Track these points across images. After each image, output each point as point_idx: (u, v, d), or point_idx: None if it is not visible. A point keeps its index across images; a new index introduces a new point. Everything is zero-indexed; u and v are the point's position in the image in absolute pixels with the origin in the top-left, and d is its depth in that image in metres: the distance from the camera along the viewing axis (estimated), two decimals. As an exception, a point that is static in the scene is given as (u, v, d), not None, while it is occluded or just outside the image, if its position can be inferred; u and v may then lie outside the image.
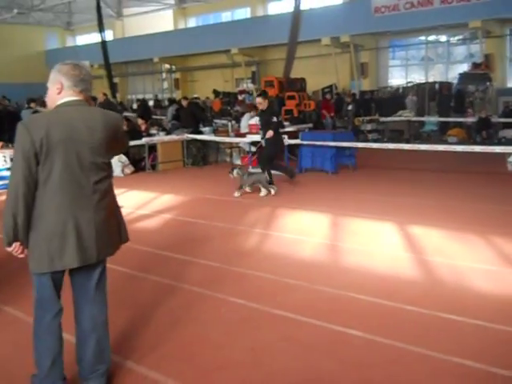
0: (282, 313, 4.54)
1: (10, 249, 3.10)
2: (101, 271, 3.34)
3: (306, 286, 5.17)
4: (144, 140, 13.17)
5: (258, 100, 10.29)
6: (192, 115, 15.21)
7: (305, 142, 12.36)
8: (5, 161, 11.03)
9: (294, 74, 20.59)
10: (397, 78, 24.83)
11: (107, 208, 3.25)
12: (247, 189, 10.09)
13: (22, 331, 3.63)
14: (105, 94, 17.39)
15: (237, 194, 9.88)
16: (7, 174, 9.70)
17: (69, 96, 3.20)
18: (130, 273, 5.70)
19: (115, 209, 3.38)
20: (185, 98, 17.57)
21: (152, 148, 13.49)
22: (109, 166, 3.30)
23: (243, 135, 13.83)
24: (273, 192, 9.90)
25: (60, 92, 3.21)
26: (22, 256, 3.16)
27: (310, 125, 17.37)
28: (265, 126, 10.24)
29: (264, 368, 3.67)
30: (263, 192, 9.88)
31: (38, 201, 3.07)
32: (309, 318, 4.40)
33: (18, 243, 3.07)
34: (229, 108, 23.09)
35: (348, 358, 3.77)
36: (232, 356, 3.84)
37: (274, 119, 10.23)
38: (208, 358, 3.83)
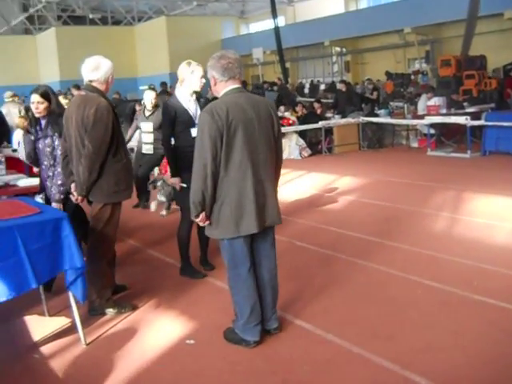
0: (483, 298, 4.39)
1: (197, 219, 3.63)
2: (273, 233, 3.86)
3: (505, 273, 4.94)
4: (320, 123, 13.32)
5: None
6: (349, 99, 15.14)
7: (490, 124, 11.66)
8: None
9: (472, 52, 19.46)
10: None
11: (274, 182, 3.78)
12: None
13: (229, 299, 3.93)
14: (279, 79, 17.96)
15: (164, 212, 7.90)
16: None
17: (230, 84, 3.62)
18: (321, 251, 5.88)
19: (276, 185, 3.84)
20: (342, 81, 17.59)
21: (328, 131, 13.61)
22: (275, 145, 3.74)
23: (421, 117, 13.42)
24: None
25: (215, 84, 3.65)
26: (203, 224, 3.68)
27: (492, 105, 16.39)
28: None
29: (468, 352, 3.60)
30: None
31: (222, 176, 3.53)
32: (513, 305, 4.23)
33: (203, 214, 3.59)
34: (401, 90, 22.49)
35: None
36: (435, 338, 3.80)
37: None
38: (410, 338, 3.84)
